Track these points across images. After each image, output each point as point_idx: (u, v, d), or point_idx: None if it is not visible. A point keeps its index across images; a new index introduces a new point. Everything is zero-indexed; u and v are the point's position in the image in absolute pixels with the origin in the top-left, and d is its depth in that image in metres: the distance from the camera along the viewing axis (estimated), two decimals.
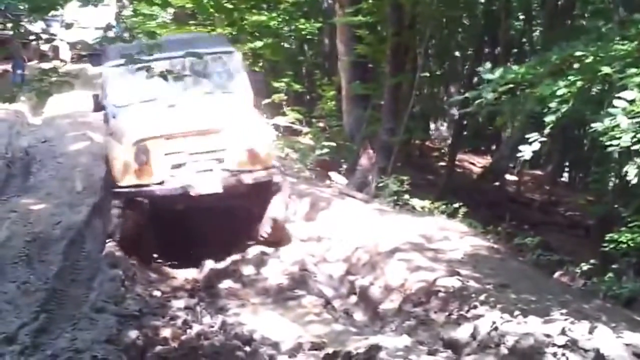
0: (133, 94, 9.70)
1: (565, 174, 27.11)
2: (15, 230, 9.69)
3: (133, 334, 6.76)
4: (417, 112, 21.05)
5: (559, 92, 5.96)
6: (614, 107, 5.36)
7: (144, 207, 9.13)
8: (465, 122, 22.42)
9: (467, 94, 6.04)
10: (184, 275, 9.43)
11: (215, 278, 8.97)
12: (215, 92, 10.11)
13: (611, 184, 17.13)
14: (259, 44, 21.43)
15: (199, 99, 9.77)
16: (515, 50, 24.36)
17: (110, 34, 7.55)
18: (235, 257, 9.34)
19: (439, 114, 26.36)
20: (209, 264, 9.22)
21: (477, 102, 5.86)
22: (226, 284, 8.86)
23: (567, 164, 26.73)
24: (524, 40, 24.99)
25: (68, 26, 6.84)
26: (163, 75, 7.79)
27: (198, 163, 9.04)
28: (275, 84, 22.05)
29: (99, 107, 10.25)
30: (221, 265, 9.24)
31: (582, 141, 25.40)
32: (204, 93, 9.97)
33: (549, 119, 5.94)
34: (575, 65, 6.38)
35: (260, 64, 22.93)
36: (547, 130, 5.98)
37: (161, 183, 8.94)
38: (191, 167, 9.01)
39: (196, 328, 7.23)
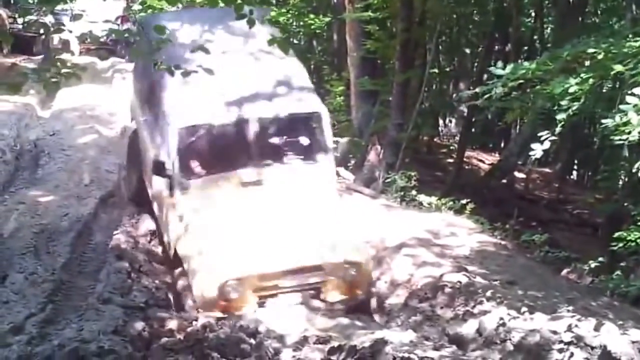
0: (208, 164, 8.37)
1: (574, 172, 27.04)
2: (23, 221, 9.75)
3: (139, 325, 6.77)
4: (426, 109, 20.99)
5: (570, 90, 5.93)
6: (626, 103, 5.33)
7: None
8: (473, 119, 22.33)
9: (477, 89, 5.99)
10: None
11: None
12: (299, 168, 8.55)
13: (620, 182, 17.09)
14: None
15: (288, 194, 8.24)
16: (526, 47, 24.27)
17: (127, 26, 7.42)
18: None
19: (448, 110, 26.28)
20: None
21: (486, 96, 5.82)
22: None
23: (576, 161, 26.64)
24: (535, 37, 24.89)
25: (77, 17, 6.82)
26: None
27: (290, 297, 7.80)
28: None
29: (163, 173, 8.34)
30: None
31: (591, 139, 25.30)
32: (289, 173, 8.42)
33: (560, 116, 5.93)
34: (587, 63, 6.36)
35: None
36: (558, 129, 5.96)
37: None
38: (282, 302, 7.74)
39: (202, 320, 7.24)
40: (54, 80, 6.85)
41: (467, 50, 25.88)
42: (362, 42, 16.67)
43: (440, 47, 22.21)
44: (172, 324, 7.35)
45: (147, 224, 10.12)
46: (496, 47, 23.48)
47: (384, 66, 18.71)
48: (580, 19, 21.38)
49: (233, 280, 7.62)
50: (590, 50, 5.97)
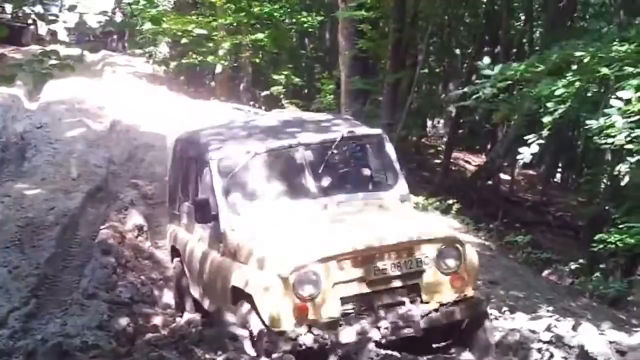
0: (262, 196, 6.91)
1: (558, 175, 27.16)
2: (8, 214, 9.66)
3: (124, 320, 6.75)
4: (415, 109, 21.03)
5: (557, 92, 5.93)
6: (610, 107, 5.33)
7: None
8: (461, 120, 22.39)
9: (465, 89, 5.97)
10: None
11: None
12: (372, 190, 7.19)
13: (603, 185, 17.16)
14: (260, 35, 21.42)
15: (356, 203, 6.88)
16: (515, 50, 24.32)
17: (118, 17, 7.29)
18: None
19: (437, 111, 26.33)
20: None
21: (474, 97, 5.80)
22: None
23: (560, 164, 26.75)
24: (524, 40, 24.95)
25: (71, 8, 6.73)
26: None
27: (382, 295, 6.10)
28: (275, 77, 22.08)
29: (207, 215, 6.76)
30: None
31: (575, 142, 25.42)
32: (359, 194, 7.03)
33: (547, 119, 5.91)
34: (574, 67, 6.36)
35: (261, 56, 22.98)
36: (545, 132, 5.94)
37: (333, 326, 5.89)
38: (371, 302, 6.06)
39: (186, 316, 7.20)
40: (45, 72, 6.77)
41: (458, 52, 25.91)
42: (354, 41, 16.64)
43: (431, 48, 22.23)
44: (157, 320, 7.32)
45: (134, 219, 10.07)
46: (486, 49, 23.52)
47: (375, 66, 18.71)
48: (569, 23, 21.44)
49: (308, 267, 5.88)
50: (578, 54, 5.97)
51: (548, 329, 6.44)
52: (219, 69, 22.72)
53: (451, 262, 6.21)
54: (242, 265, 6.35)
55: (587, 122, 5.75)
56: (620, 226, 10.87)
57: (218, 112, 17.52)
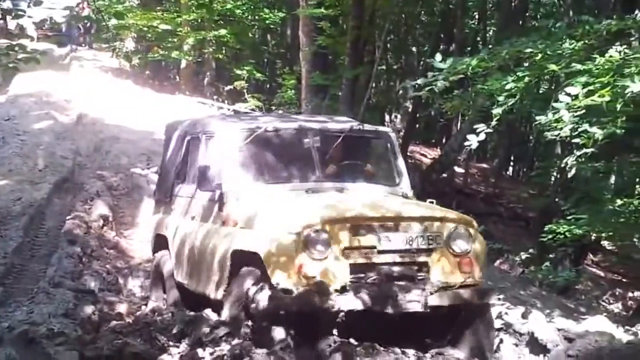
0: (268, 171, 6.74)
1: (510, 168, 27.49)
2: None
3: (89, 309, 6.67)
4: (373, 104, 21.09)
5: (507, 87, 5.98)
6: (559, 102, 5.41)
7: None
8: (418, 115, 22.50)
9: (418, 81, 6.01)
10: (140, 254, 9.30)
11: None
12: (378, 184, 6.94)
13: (552, 178, 17.40)
14: (223, 31, 21.33)
15: (362, 190, 6.67)
16: (469, 48, 24.51)
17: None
18: None
19: (394, 106, 26.45)
20: None
21: (427, 88, 5.85)
22: None
23: (512, 157, 27.07)
24: (478, 38, 25.17)
25: (37, 3, 6.63)
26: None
27: (390, 267, 5.82)
28: (238, 72, 22.00)
29: (211, 182, 6.53)
30: None
31: (527, 137, 25.76)
32: (365, 184, 6.82)
33: (496, 111, 5.95)
34: (526, 64, 6.43)
35: (224, 52, 22.86)
36: (493, 122, 6.00)
37: (342, 292, 5.60)
38: (381, 272, 5.79)
39: (151, 304, 7.14)
40: (13, 65, 6.66)
41: (414, 49, 26.03)
42: (314, 37, 16.61)
43: (388, 46, 22.31)
44: (122, 308, 7.25)
45: (100, 209, 9.97)
46: (441, 46, 23.68)
47: (334, 62, 18.72)
48: (521, 21, 21.68)
49: (320, 227, 5.62)
50: (528, 50, 6.02)
51: (499, 316, 6.51)
52: (183, 63, 22.59)
53: (462, 244, 5.97)
54: (246, 231, 6.06)
55: (537, 117, 5.80)
56: (569, 217, 11.03)
57: (183, 106, 17.43)
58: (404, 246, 5.83)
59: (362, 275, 5.72)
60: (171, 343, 5.84)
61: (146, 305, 7.19)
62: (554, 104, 5.50)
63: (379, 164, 7.19)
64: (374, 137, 7.18)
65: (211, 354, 5.49)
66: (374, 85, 17.79)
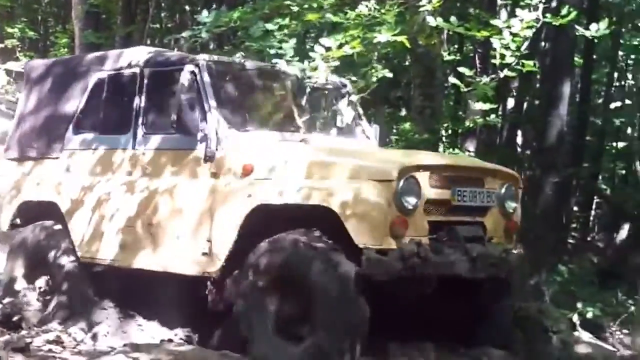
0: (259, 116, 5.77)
1: None
2: None
3: None
4: None
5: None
6: (314, 52, 5.50)
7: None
8: None
9: (184, 33, 5.93)
10: None
11: None
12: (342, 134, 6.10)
13: None
14: None
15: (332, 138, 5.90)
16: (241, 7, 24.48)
17: None
18: None
19: None
20: None
21: (192, 40, 5.79)
22: None
23: None
24: None
25: None
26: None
27: (464, 226, 4.99)
28: (10, 30, 20.29)
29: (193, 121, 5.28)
30: None
31: None
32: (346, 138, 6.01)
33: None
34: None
35: None
36: None
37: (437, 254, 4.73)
38: (457, 233, 4.88)
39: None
40: None
41: (187, 8, 25.52)
42: None
43: (162, 5, 21.66)
44: None
45: None
46: (214, 6, 23.41)
47: (108, 20, 17.90)
48: None
49: (413, 173, 4.62)
50: (287, 3, 6.13)
51: None
52: None
53: (512, 204, 5.16)
54: (271, 181, 4.80)
55: (296, 64, 5.84)
56: None
57: None
58: (472, 203, 4.96)
59: (441, 234, 4.81)
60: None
61: None
62: (310, 54, 5.62)
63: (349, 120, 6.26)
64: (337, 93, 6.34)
65: None
66: (147, 42, 17.18)
